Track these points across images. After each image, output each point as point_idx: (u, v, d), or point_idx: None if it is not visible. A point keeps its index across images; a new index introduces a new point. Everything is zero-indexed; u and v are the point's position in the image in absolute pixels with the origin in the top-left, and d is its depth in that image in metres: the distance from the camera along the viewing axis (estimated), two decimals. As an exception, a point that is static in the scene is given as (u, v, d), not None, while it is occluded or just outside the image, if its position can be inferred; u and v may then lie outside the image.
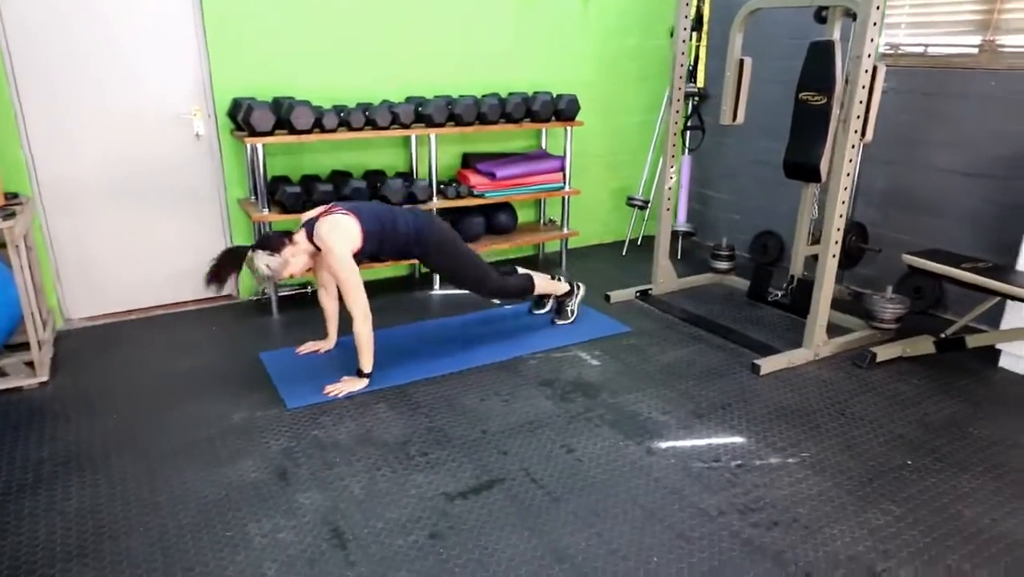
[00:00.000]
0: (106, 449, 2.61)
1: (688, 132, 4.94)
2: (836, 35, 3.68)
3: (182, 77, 3.72)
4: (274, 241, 2.95)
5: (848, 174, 3.13)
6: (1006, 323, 3.21)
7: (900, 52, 3.97)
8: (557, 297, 3.79)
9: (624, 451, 2.60)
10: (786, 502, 2.31)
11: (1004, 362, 3.28)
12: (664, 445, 2.64)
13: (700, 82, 4.68)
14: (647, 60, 5.07)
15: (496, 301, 4.04)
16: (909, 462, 2.54)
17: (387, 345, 3.41)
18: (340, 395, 3.00)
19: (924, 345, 3.28)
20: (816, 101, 3.61)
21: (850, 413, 2.88)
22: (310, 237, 2.99)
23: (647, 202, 5.12)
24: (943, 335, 3.23)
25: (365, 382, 3.06)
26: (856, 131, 3.07)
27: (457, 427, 2.77)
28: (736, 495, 2.34)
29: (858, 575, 1.99)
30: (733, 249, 4.47)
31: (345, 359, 3.29)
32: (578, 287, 3.80)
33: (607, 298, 4.13)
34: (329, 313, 3.40)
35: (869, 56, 2.96)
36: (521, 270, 3.65)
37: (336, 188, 3.81)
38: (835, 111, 3.53)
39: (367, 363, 3.05)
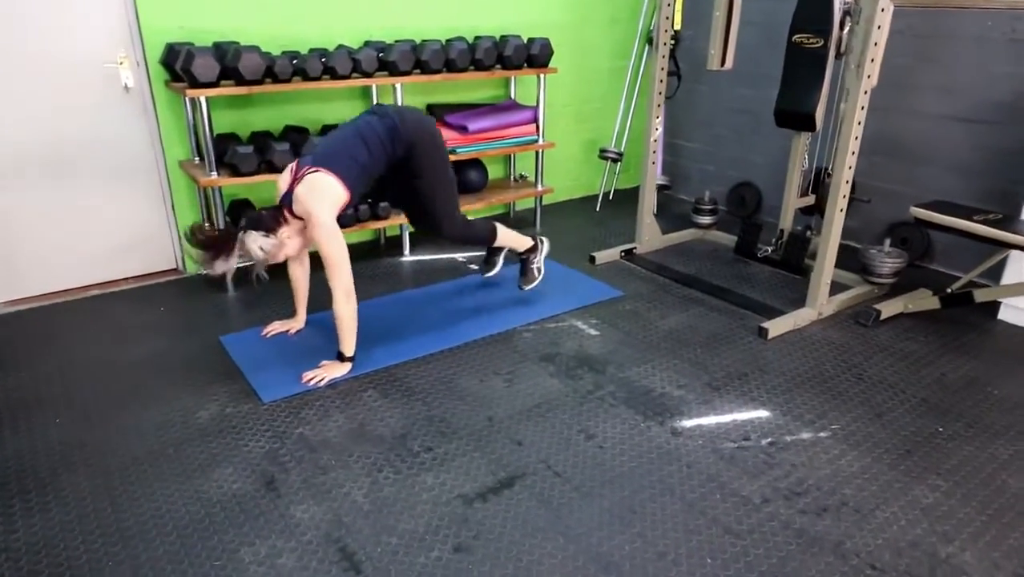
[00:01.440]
0: (53, 464, 2.23)
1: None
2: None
3: (103, 17, 3.19)
4: (268, 220, 2.61)
5: (860, 123, 2.94)
6: (1008, 276, 3.13)
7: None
8: (520, 254, 3.36)
9: (647, 433, 2.39)
10: (830, 483, 2.15)
11: (1004, 315, 3.22)
12: (688, 424, 2.44)
13: (677, 24, 4.39)
14: (617, 1, 4.74)
15: (462, 256, 3.64)
16: (940, 429, 2.43)
17: (365, 321, 3.06)
18: (322, 384, 2.67)
19: (929, 301, 3.18)
20: (812, 44, 3.39)
21: (868, 377, 2.75)
22: (291, 211, 2.63)
23: (621, 154, 4.86)
24: (949, 290, 3.13)
25: (348, 367, 2.74)
26: (869, 75, 2.87)
27: (460, 415, 2.50)
28: (776, 478, 2.17)
29: (923, 563, 1.86)
30: (716, 203, 4.28)
31: (319, 340, 2.95)
32: (542, 242, 3.39)
33: (592, 259, 3.88)
34: (299, 286, 3.03)
35: (887, -7, 2.75)
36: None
37: (293, 147, 3.39)
38: (832, 54, 3.35)
39: (349, 346, 2.72)
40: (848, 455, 2.29)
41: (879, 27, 2.79)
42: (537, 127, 4.21)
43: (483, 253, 3.57)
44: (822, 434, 2.39)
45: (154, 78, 3.33)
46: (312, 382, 2.66)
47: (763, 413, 2.51)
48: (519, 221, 4.54)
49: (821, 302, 3.21)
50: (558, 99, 4.67)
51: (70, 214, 3.35)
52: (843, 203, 3.07)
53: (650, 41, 4.84)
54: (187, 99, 3.34)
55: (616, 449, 2.31)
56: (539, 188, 4.40)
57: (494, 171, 4.52)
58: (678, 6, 4.38)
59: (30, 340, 2.99)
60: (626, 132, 5.00)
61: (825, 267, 3.15)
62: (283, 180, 2.71)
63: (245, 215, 2.75)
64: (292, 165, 2.72)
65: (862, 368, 2.82)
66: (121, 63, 3.26)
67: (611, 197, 5.01)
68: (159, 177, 3.53)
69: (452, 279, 3.66)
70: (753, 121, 4.62)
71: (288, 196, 2.64)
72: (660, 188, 4.82)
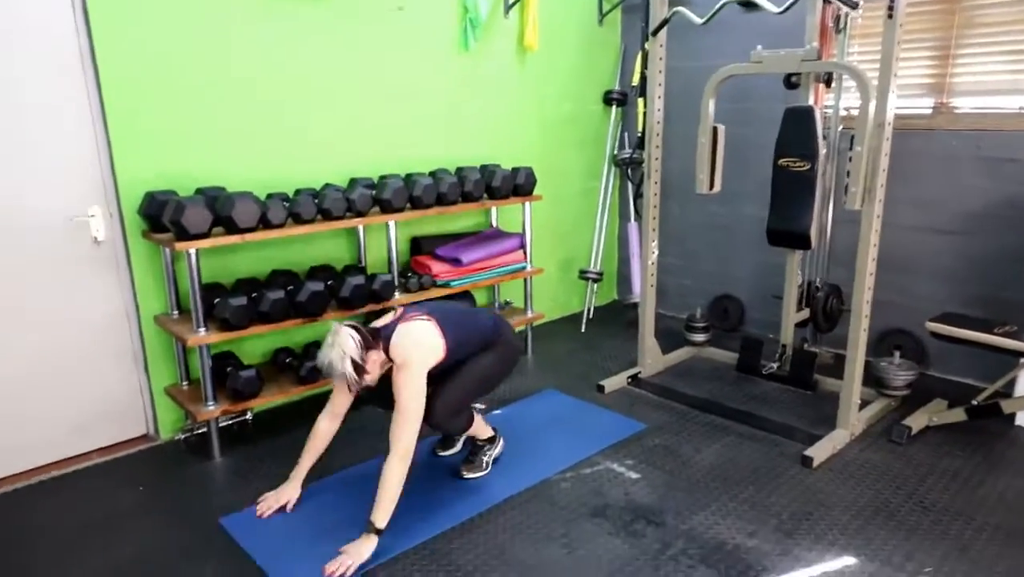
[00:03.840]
0: None
1: (638, 199, 4.74)
2: (811, 101, 3.63)
3: (75, 170, 2.90)
4: (366, 335, 2.42)
5: (875, 244, 2.99)
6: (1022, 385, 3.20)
7: (853, 116, 4.00)
8: (477, 441, 2.96)
9: (742, 599, 2.17)
10: (957, 642, 1.99)
11: (1022, 420, 3.26)
12: (779, 582, 2.25)
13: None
14: (583, 126, 4.83)
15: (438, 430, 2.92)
16: (1028, 559, 2.34)
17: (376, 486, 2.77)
18: (349, 573, 2.30)
19: (955, 414, 3.18)
20: (799, 167, 3.50)
21: (931, 505, 2.66)
22: (386, 348, 2.46)
23: (601, 274, 4.82)
24: (975, 402, 3.15)
25: (374, 543, 2.36)
26: (880, 200, 2.95)
27: (530, 598, 2.20)
28: (900, 642, 1.99)
29: None
30: (708, 320, 4.26)
31: (329, 511, 2.63)
32: (501, 438, 3.03)
33: (600, 388, 3.72)
34: (318, 446, 2.69)
35: (890, 123, 2.86)
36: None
37: (288, 295, 3.12)
38: (818, 177, 3.46)
39: (385, 516, 2.37)
40: (957, 603, 2.14)
41: (885, 155, 2.89)
42: (525, 253, 4.12)
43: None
44: (920, 580, 2.25)
45: (129, 229, 3.03)
46: (338, 575, 2.29)
47: (849, 560, 2.35)
48: (507, 349, 4.35)
49: (853, 422, 3.15)
50: (535, 222, 4.62)
51: (22, 386, 2.91)
52: (865, 322, 3.07)
53: (616, 164, 4.94)
54: (167, 250, 3.04)
55: (718, 624, 2.07)
56: (529, 314, 4.26)
57: (479, 299, 4.36)
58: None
59: (-16, 547, 2.49)
60: (600, 251, 4.99)
61: (854, 387, 3.11)
62: (381, 321, 2.59)
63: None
64: (398, 308, 2.62)
65: (921, 495, 2.73)
66: (93, 216, 2.95)
67: (591, 316, 4.93)
68: (131, 336, 3.15)
69: (461, 423, 3.39)
70: (726, 236, 4.71)
71: (387, 331, 2.49)
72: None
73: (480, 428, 2.92)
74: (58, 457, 3.04)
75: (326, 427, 2.66)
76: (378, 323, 2.58)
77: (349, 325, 2.43)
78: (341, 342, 2.38)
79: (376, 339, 2.47)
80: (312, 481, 2.76)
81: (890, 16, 2.71)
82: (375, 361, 2.46)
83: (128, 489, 2.85)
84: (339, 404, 2.64)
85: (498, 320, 2.87)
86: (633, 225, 4.87)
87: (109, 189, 2.98)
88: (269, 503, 2.66)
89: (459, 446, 3.09)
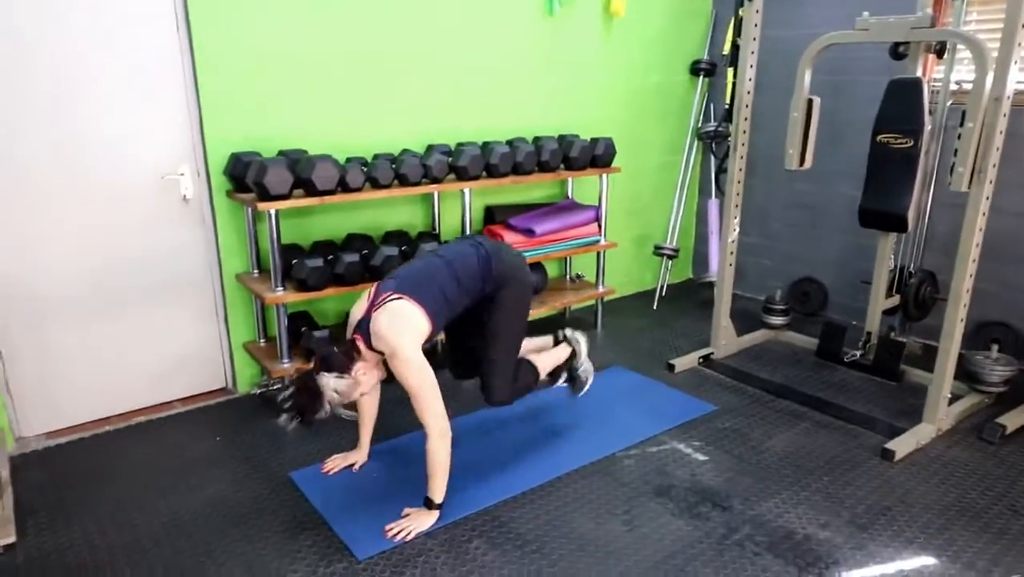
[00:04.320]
0: (128, 654, 1.88)
1: (721, 175, 4.57)
2: (919, 72, 3.39)
3: (167, 130, 3.00)
4: (340, 360, 2.32)
5: (981, 229, 2.79)
6: None
7: (964, 90, 3.70)
8: (561, 369, 3.00)
9: (810, 592, 2.09)
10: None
11: None
12: (851, 577, 2.15)
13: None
14: (668, 97, 4.68)
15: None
16: None
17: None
18: (409, 537, 2.34)
19: (1057, 414, 2.96)
20: (900, 144, 3.28)
21: (1022, 509, 2.49)
22: (369, 344, 2.36)
23: (677, 251, 4.70)
24: (1080, 403, 2.92)
25: (435, 516, 2.40)
26: (991, 181, 2.73)
27: (588, 570, 2.18)
28: (981, 651, 1.88)
29: None
30: (788, 303, 4.09)
31: (395, 474, 2.70)
32: (576, 341, 3.01)
33: (670, 367, 3.64)
34: (367, 416, 2.73)
35: (1009, 98, 2.63)
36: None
37: (362, 258, 3.17)
38: (922, 154, 3.24)
39: (440, 492, 2.40)
40: (1048, 615, 2.00)
41: (1001, 132, 2.66)
42: (599, 226, 4.05)
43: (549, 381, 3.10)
44: (1006, 587, 2.11)
45: (215, 189, 3.13)
46: (399, 537, 2.33)
47: (928, 560, 2.23)
48: (577, 323, 4.31)
49: (941, 417, 2.97)
50: (612, 195, 4.53)
51: (114, 335, 3.07)
52: (963, 312, 2.87)
53: (699, 137, 4.77)
54: (249, 210, 3.13)
55: (782, 614, 2.01)
56: (600, 289, 4.20)
57: (550, 271, 4.31)
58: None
59: (78, 482, 2.65)
60: (677, 228, 4.86)
61: (945, 380, 2.92)
62: (358, 307, 2.45)
63: (316, 352, 2.48)
64: (370, 290, 2.46)
65: (1012, 498, 2.56)
66: (183, 174, 3.06)
67: (664, 293, 4.81)
68: (213, 292, 3.28)
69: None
70: (811, 216, 4.49)
71: (364, 323, 2.37)
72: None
73: (556, 357, 2.93)
74: (143, 404, 3.21)
75: (367, 401, 2.68)
76: (355, 312, 2.46)
77: (317, 366, 2.32)
78: (322, 391, 2.28)
79: (352, 345, 2.38)
80: (375, 443, 2.81)
81: (1014, -22, 2.48)
82: (366, 367, 2.38)
83: (206, 439, 2.99)
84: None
85: (490, 250, 2.58)
86: (714, 202, 4.71)
87: (198, 149, 3.08)
88: (336, 462, 2.74)
89: (589, 379, 3.06)
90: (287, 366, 3.11)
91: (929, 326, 3.99)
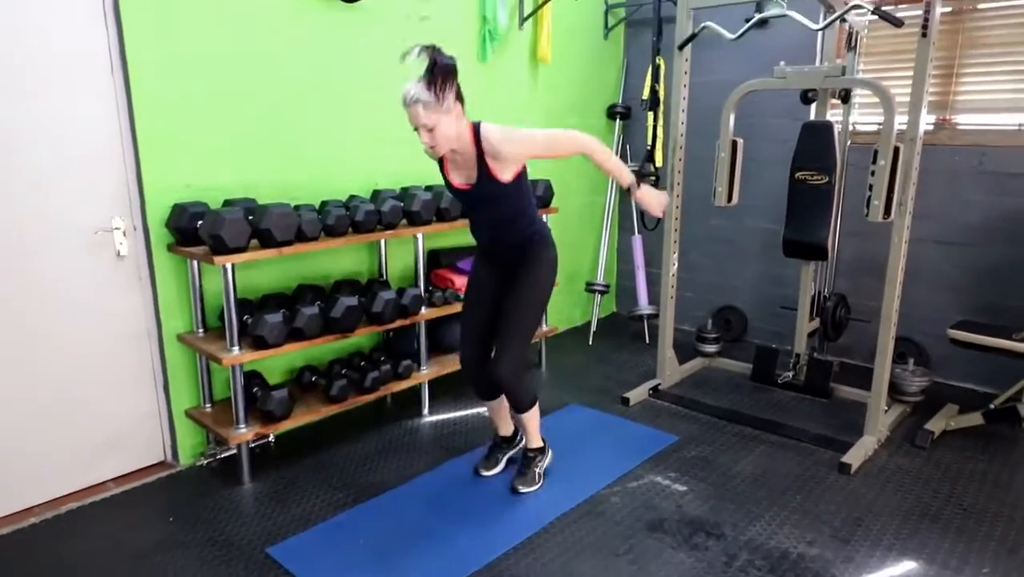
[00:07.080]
0: None
1: (643, 213, 4.78)
2: (827, 116, 3.74)
3: (100, 180, 2.75)
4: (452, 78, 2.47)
5: (904, 256, 3.09)
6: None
7: (859, 131, 4.13)
8: (528, 452, 2.92)
9: (821, 609, 2.19)
10: (1035, 642, 2.05)
11: (1031, 423, 3.41)
12: (852, 590, 2.28)
13: (659, 161, 4.55)
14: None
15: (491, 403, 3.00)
16: (1075, 558, 2.43)
17: (430, 506, 2.71)
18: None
19: (972, 418, 3.30)
20: (817, 180, 3.60)
21: (971, 508, 2.75)
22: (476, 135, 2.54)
23: (607, 287, 4.84)
24: (992, 406, 3.28)
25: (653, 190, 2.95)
26: (910, 212, 3.05)
27: (612, 616, 2.17)
28: (983, 644, 2.04)
29: None
30: (718, 331, 4.32)
31: (376, 536, 2.54)
32: (548, 449, 3.01)
33: (625, 401, 3.72)
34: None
35: (920, 138, 2.96)
36: None
37: (321, 311, 3.02)
38: (836, 189, 3.57)
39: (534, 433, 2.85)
40: (1024, 604, 2.21)
41: (915, 169, 2.99)
42: (540, 266, 4.10)
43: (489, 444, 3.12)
44: (982, 581, 2.31)
45: (155, 243, 2.88)
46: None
47: (910, 564, 2.40)
48: (519, 362, 4.31)
49: (880, 428, 3.24)
50: (540, 235, 4.62)
51: (35, 412, 2.72)
52: (893, 331, 3.16)
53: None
54: (195, 264, 2.91)
55: (804, 634, 2.08)
56: (544, 328, 4.24)
57: (490, 313, 4.31)
58: (659, 145, 4.56)
59: (13, 586, 2.31)
60: (602, 264, 5.02)
61: (882, 394, 3.19)
62: None
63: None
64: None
65: (958, 497, 2.82)
66: (117, 227, 2.80)
67: (595, 328, 4.94)
68: (151, 355, 2.99)
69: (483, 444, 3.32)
70: (728, 248, 4.79)
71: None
72: (650, 317, 4.81)
73: (534, 431, 2.89)
74: (71, 489, 2.85)
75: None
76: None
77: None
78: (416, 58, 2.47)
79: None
80: (361, 501, 2.67)
81: (924, 35, 2.82)
82: (458, 114, 2.52)
83: (156, 521, 2.69)
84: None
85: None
86: (637, 237, 4.91)
87: (135, 200, 2.83)
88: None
89: (502, 465, 3.03)
90: (244, 431, 2.89)
91: (843, 345, 4.36)
